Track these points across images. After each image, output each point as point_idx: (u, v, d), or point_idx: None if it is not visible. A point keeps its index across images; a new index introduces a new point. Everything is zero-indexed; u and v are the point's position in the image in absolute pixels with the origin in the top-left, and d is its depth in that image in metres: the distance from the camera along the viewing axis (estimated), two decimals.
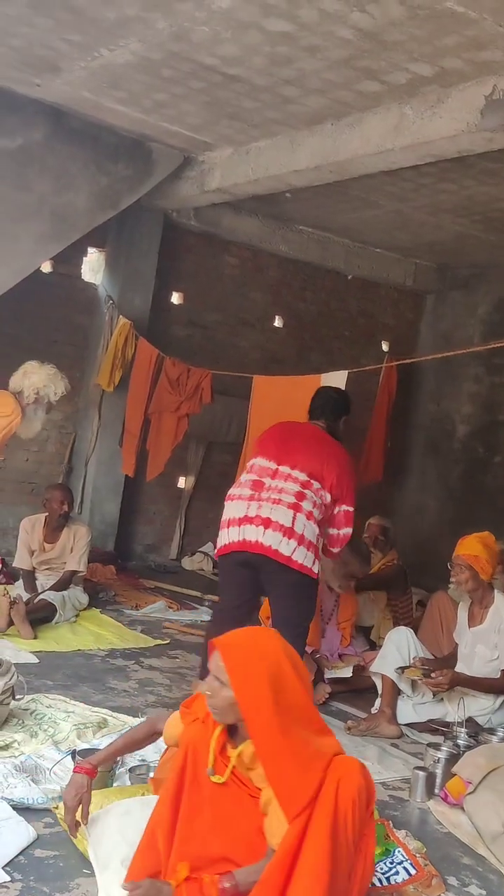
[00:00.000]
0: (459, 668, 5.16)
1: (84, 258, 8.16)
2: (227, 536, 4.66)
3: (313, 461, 4.72)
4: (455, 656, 5.22)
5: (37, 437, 7.58)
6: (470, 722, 4.82)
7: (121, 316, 7.88)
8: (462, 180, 6.96)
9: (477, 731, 4.68)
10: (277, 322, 9.42)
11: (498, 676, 4.97)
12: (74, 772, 2.96)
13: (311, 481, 4.66)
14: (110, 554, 8.05)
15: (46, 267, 7.60)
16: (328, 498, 4.69)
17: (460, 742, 4.42)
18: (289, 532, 4.50)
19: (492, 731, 4.74)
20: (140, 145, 7.03)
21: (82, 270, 8.20)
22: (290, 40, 4.90)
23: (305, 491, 4.62)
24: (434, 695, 5.10)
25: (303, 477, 4.65)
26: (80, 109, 6.57)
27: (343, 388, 6.32)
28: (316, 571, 4.58)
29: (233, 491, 4.81)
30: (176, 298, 8.72)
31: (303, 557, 4.51)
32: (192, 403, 7.82)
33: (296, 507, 4.55)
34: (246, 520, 4.59)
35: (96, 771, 2.98)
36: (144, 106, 6.28)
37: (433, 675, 4.70)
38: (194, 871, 2.57)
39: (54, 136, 6.67)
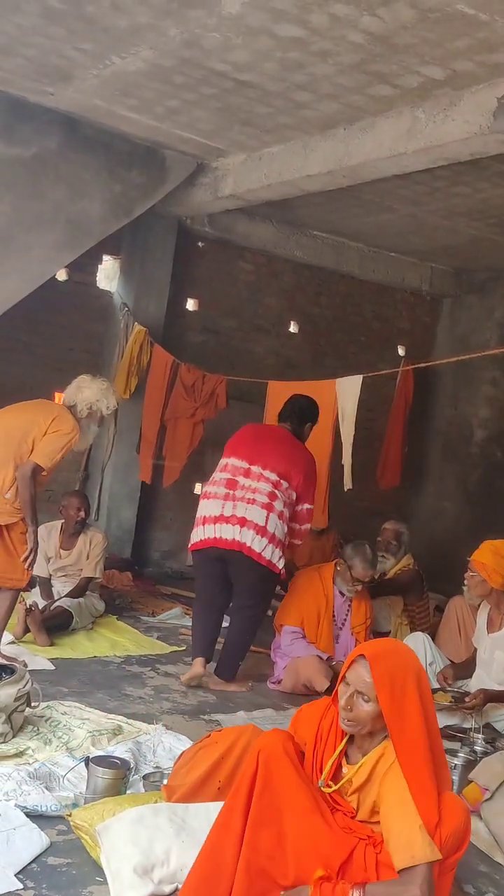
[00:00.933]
0: (478, 673, 5.13)
1: (99, 266, 8.19)
2: (203, 533, 5.18)
3: (282, 462, 5.23)
4: (474, 661, 5.19)
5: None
6: (487, 728, 4.78)
7: (136, 323, 7.90)
8: (476, 183, 6.93)
9: (494, 738, 4.64)
10: (293, 327, 9.40)
11: None
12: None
13: (281, 481, 5.17)
14: (127, 560, 8.06)
15: (61, 275, 7.62)
16: (294, 496, 5.23)
17: (477, 748, 4.38)
18: (262, 531, 5.04)
19: None
20: (153, 152, 7.04)
21: (97, 278, 8.22)
22: (301, 45, 4.90)
23: (276, 491, 5.14)
24: (451, 700, 5.06)
25: (273, 477, 5.17)
26: (92, 117, 6.60)
27: (358, 392, 6.34)
28: (280, 567, 5.12)
29: (207, 489, 5.30)
30: (191, 305, 8.73)
31: (270, 554, 5.06)
32: (207, 409, 7.84)
33: (269, 507, 5.09)
34: (222, 518, 5.11)
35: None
36: (157, 113, 6.30)
37: (466, 699, 4.68)
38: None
39: (68, 144, 6.70)
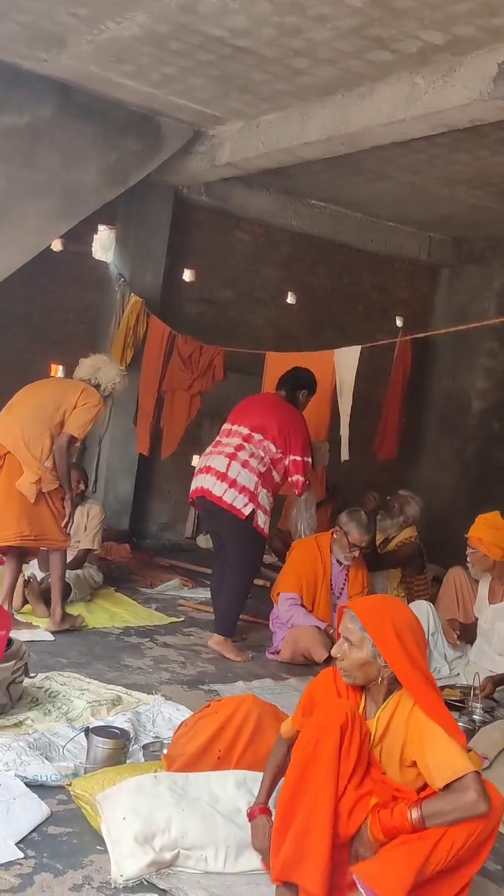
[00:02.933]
0: (478, 643, 5.15)
1: (94, 236, 8.11)
2: (192, 485, 5.57)
3: (257, 418, 5.53)
4: (475, 629, 5.21)
5: None
6: (486, 697, 4.80)
7: (132, 294, 7.84)
8: (476, 150, 6.86)
9: (493, 707, 4.66)
10: (290, 298, 9.34)
11: None
12: (251, 818, 2.85)
13: (253, 434, 5.44)
14: (125, 532, 8.06)
15: (57, 245, 7.56)
16: (273, 448, 5.42)
17: (476, 717, 4.40)
18: (222, 476, 5.32)
19: None
20: (149, 120, 6.96)
21: (93, 248, 8.15)
22: (298, 9, 4.82)
23: (245, 444, 5.41)
24: (451, 670, 5.09)
25: (245, 431, 5.48)
26: (87, 84, 6.51)
27: (356, 363, 6.32)
28: (246, 514, 5.26)
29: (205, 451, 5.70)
30: (188, 275, 8.66)
31: (232, 498, 5.27)
32: (204, 381, 7.80)
33: (231, 456, 5.37)
34: (198, 471, 5.54)
35: (269, 809, 2.86)
36: (152, 80, 6.21)
37: (479, 689, 4.70)
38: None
39: (62, 111, 6.61)
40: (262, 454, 5.42)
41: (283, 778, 2.72)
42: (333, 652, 2.77)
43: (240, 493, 5.28)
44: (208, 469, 5.43)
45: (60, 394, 5.35)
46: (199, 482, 5.45)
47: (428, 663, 2.98)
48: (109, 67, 6.11)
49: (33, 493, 5.17)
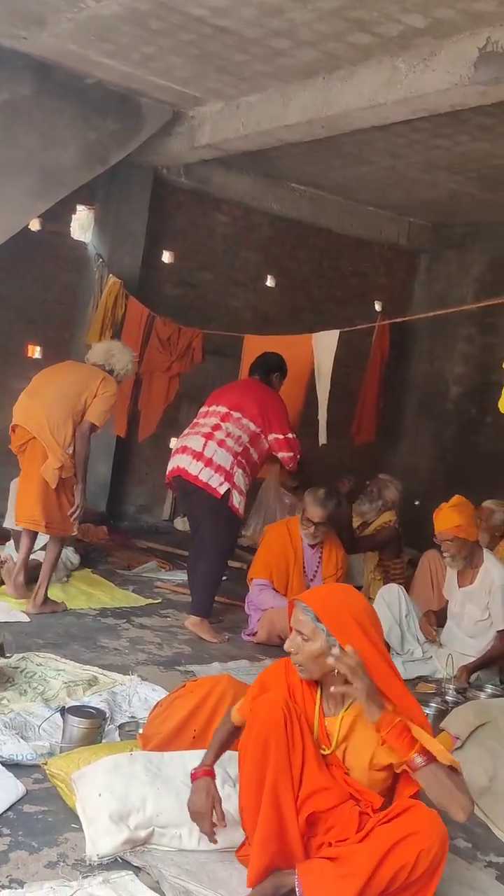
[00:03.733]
0: (449, 626, 5.20)
1: (73, 216, 8.06)
2: (168, 466, 5.59)
3: (234, 397, 5.61)
4: (445, 612, 5.26)
5: None
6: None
7: (110, 275, 7.79)
8: (456, 136, 6.86)
9: (465, 688, 4.72)
10: (269, 281, 9.33)
11: (490, 638, 5.01)
12: (195, 779, 2.81)
13: (231, 413, 5.49)
14: (102, 514, 8.05)
15: (35, 224, 7.50)
16: (252, 426, 5.48)
17: (449, 698, 4.46)
18: (198, 455, 5.35)
19: (480, 687, 4.79)
20: (128, 100, 6.91)
21: (71, 228, 8.09)
22: None
23: (222, 423, 5.45)
24: (423, 652, 5.14)
25: (223, 410, 5.53)
26: (67, 63, 6.45)
27: (335, 347, 6.34)
28: (221, 493, 5.28)
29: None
30: (166, 257, 8.63)
31: (207, 477, 5.29)
32: (183, 363, 7.79)
33: (208, 436, 5.41)
34: (175, 451, 5.57)
35: (213, 771, 2.84)
36: (132, 59, 6.17)
37: (454, 678, 4.75)
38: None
39: (41, 90, 6.55)
40: (240, 433, 5.45)
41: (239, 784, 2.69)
42: (287, 647, 2.68)
43: (215, 472, 5.31)
44: (184, 449, 5.46)
45: (82, 381, 5.43)
46: (176, 462, 5.49)
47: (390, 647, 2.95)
48: (89, 46, 6.05)
49: (56, 479, 5.26)
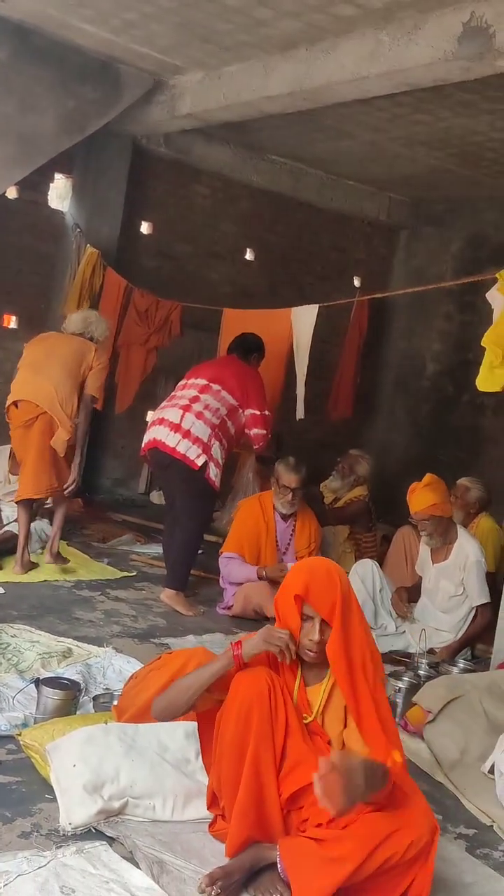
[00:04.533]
0: (423, 602, 5.25)
1: (51, 184, 7.95)
2: (144, 438, 5.57)
3: (215, 370, 5.64)
4: (419, 588, 5.30)
5: (2, 368, 7.53)
6: (431, 654, 4.91)
7: (88, 245, 7.71)
8: (438, 111, 6.83)
9: (437, 663, 4.76)
10: (249, 255, 9.28)
11: (463, 614, 5.06)
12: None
13: (210, 385, 5.50)
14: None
15: (12, 192, 7.40)
16: (231, 399, 5.50)
17: (421, 673, 4.49)
18: (175, 427, 5.34)
19: (452, 662, 4.83)
20: (108, 67, 6.81)
21: (49, 197, 7.99)
22: None
23: (201, 395, 5.45)
24: (396, 627, 5.18)
25: (202, 382, 5.53)
26: (46, 28, 6.34)
27: (313, 322, 6.33)
28: (199, 464, 5.28)
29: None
30: (145, 228, 8.55)
31: (185, 449, 5.29)
32: (161, 336, 7.75)
33: (186, 408, 5.39)
34: (152, 423, 5.55)
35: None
36: (113, 26, 6.08)
37: (437, 657, 4.79)
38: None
39: (19, 55, 6.44)
40: (218, 405, 5.46)
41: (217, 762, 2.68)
42: (315, 639, 2.62)
43: (193, 443, 5.30)
44: (161, 420, 5.45)
45: (79, 352, 5.67)
46: (152, 434, 5.46)
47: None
48: (69, 11, 5.96)
49: (65, 449, 5.55)
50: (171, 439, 5.33)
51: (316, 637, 2.61)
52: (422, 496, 5.00)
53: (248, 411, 5.59)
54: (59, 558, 5.77)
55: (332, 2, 5.14)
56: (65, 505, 5.85)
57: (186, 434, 5.32)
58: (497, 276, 4.67)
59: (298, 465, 5.46)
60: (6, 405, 5.68)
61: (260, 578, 5.28)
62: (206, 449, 5.33)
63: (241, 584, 5.41)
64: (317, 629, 2.62)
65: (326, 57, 5.73)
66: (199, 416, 5.38)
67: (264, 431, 5.66)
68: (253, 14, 5.49)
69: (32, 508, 5.71)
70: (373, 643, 2.72)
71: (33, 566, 5.64)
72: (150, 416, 5.73)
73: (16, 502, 5.64)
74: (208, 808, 2.81)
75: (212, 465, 5.33)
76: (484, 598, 5.01)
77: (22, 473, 5.64)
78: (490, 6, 4.84)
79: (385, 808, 2.45)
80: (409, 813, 2.47)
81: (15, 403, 5.59)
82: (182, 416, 5.38)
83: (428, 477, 5.10)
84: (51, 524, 6.36)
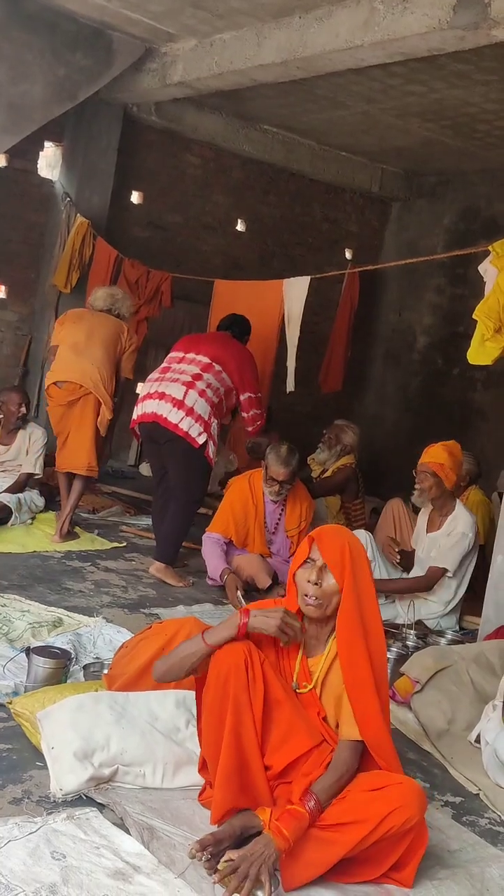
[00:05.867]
0: (415, 572, 5.27)
1: (40, 153, 7.88)
2: (136, 411, 5.54)
3: (216, 348, 5.58)
4: (412, 558, 5.32)
5: None
6: (419, 625, 4.95)
7: (78, 214, 7.66)
8: (432, 82, 6.78)
9: (426, 634, 4.80)
10: (240, 226, 9.23)
11: (452, 583, 5.06)
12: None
13: (213, 364, 5.48)
14: None
15: (1, 161, 7.33)
16: (229, 381, 5.51)
17: (409, 643, 4.53)
18: (178, 403, 5.29)
19: (440, 633, 4.87)
20: (100, 34, 6.73)
21: (38, 165, 7.92)
22: None
23: (204, 373, 5.42)
24: (385, 597, 5.20)
25: (205, 360, 5.48)
26: None
27: (305, 294, 6.32)
28: (200, 443, 5.28)
29: (149, 376, 5.65)
30: (135, 198, 8.49)
31: (188, 426, 5.26)
32: (151, 307, 7.72)
33: (189, 385, 5.35)
34: (147, 396, 5.46)
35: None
36: None
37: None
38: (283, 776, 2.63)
39: (9, 21, 6.36)
40: (218, 385, 5.46)
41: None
42: (311, 579, 2.65)
43: (195, 421, 5.29)
44: (162, 395, 5.37)
45: (114, 332, 5.91)
46: (151, 408, 5.39)
47: None
48: None
49: (106, 429, 5.85)
50: (173, 415, 5.29)
51: (313, 577, 2.64)
52: (436, 452, 5.04)
53: (245, 395, 5.61)
54: (70, 535, 5.84)
55: None
56: (84, 483, 5.94)
57: (189, 411, 5.29)
58: (490, 248, 4.65)
59: (289, 458, 5.28)
60: (47, 384, 5.91)
61: (220, 579, 5.26)
62: (207, 427, 5.33)
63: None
64: (315, 570, 2.65)
65: (320, 25, 5.67)
66: (202, 393, 5.35)
67: (259, 411, 5.73)
68: None
69: (70, 478, 5.93)
70: (381, 625, 2.73)
71: (74, 537, 5.84)
72: (142, 388, 5.67)
73: (60, 472, 5.95)
74: (199, 772, 2.83)
75: (210, 442, 5.35)
76: (445, 564, 4.94)
77: (64, 448, 5.89)
78: None
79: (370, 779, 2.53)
80: (406, 793, 2.51)
81: (55, 383, 5.80)
82: (185, 393, 5.33)
83: (452, 442, 5.14)
84: (41, 496, 6.39)
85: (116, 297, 6.11)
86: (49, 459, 6.31)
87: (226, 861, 2.44)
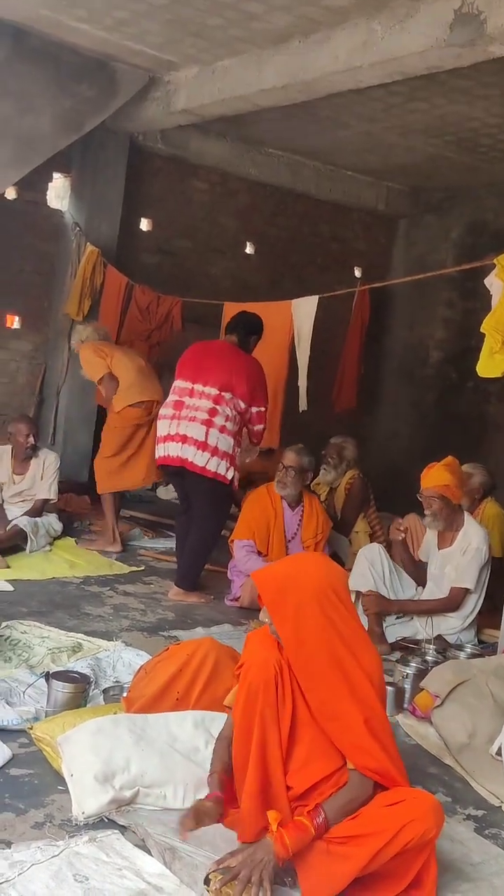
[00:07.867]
0: (429, 587, 5.24)
1: (49, 184, 7.99)
2: (159, 451, 5.57)
3: (223, 375, 5.45)
4: (424, 571, 5.30)
5: (6, 368, 7.58)
6: (438, 639, 4.92)
7: (88, 243, 7.76)
8: (433, 99, 6.84)
9: (445, 648, 4.78)
10: (249, 249, 9.30)
11: (469, 599, 5.03)
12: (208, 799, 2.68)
13: (223, 394, 5.41)
14: (83, 484, 8.02)
15: (11, 193, 7.43)
16: (242, 405, 5.47)
17: (429, 658, 4.51)
18: (202, 445, 5.31)
19: (459, 647, 4.84)
20: (103, 66, 6.84)
21: (48, 197, 8.02)
22: None
23: (217, 406, 5.38)
24: (403, 615, 5.19)
25: (214, 392, 5.40)
26: (40, 28, 6.37)
27: (314, 313, 6.34)
28: (229, 478, 5.37)
29: (161, 411, 5.65)
30: (144, 225, 8.57)
31: (216, 466, 5.32)
32: (162, 332, 7.78)
33: (208, 423, 5.34)
34: (169, 438, 5.45)
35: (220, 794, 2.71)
36: (105, 24, 6.10)
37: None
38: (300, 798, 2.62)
39: (14, 56, 6.47)
40: (235, 413, 5.45)
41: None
42: (262, 617, 2.72)
43: (222, 459, 5.34)
44: (185, 438, 5.35)
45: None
46: (175, 451, 5.40)
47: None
48: (62, 11, 5.98)
49: None
50: (199, 458, 5.32)
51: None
52: (437, 474, 4.96)
53: (255, 409, 5.60)
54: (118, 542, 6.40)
55: None
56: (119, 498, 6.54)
57: (214, 451, 5.33)
58: (495, 261, 4.67)
59: (301, 448, 5.66)
60: (127, 403, 6.34)
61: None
62: (233, 460, 5.41)
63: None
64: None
65: (319, 48, 5.74)
66: (222, 430, 5.37)
67: (262, 426, 5.73)
68: (244, 8, 5.50)
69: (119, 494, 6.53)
70: (361, 649, 2.67)
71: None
72: (160, 426, 5.59)
73: (128, 490, 6.76)
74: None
75: (235, 472, 5.44)
76: (466, 584, 4.91)
77: (135, 465, 6.39)
78: None
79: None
80: (421, 805, 2.51)
81: (135, 404, 6.33)
82: (207, 433, 5.34)
83: (448, 458, 5.07)
84: (59, 520, 6.44)
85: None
86: (66, 486, 6.36)
87: (224, 867, 2.44)
